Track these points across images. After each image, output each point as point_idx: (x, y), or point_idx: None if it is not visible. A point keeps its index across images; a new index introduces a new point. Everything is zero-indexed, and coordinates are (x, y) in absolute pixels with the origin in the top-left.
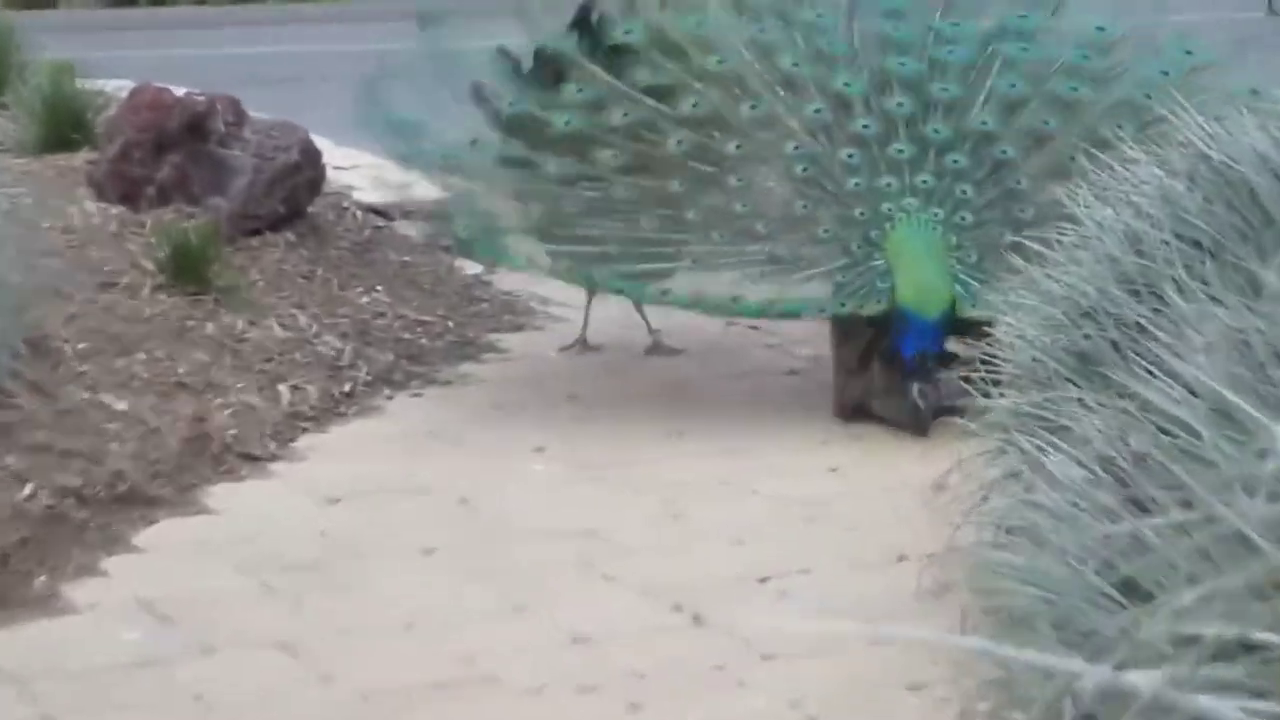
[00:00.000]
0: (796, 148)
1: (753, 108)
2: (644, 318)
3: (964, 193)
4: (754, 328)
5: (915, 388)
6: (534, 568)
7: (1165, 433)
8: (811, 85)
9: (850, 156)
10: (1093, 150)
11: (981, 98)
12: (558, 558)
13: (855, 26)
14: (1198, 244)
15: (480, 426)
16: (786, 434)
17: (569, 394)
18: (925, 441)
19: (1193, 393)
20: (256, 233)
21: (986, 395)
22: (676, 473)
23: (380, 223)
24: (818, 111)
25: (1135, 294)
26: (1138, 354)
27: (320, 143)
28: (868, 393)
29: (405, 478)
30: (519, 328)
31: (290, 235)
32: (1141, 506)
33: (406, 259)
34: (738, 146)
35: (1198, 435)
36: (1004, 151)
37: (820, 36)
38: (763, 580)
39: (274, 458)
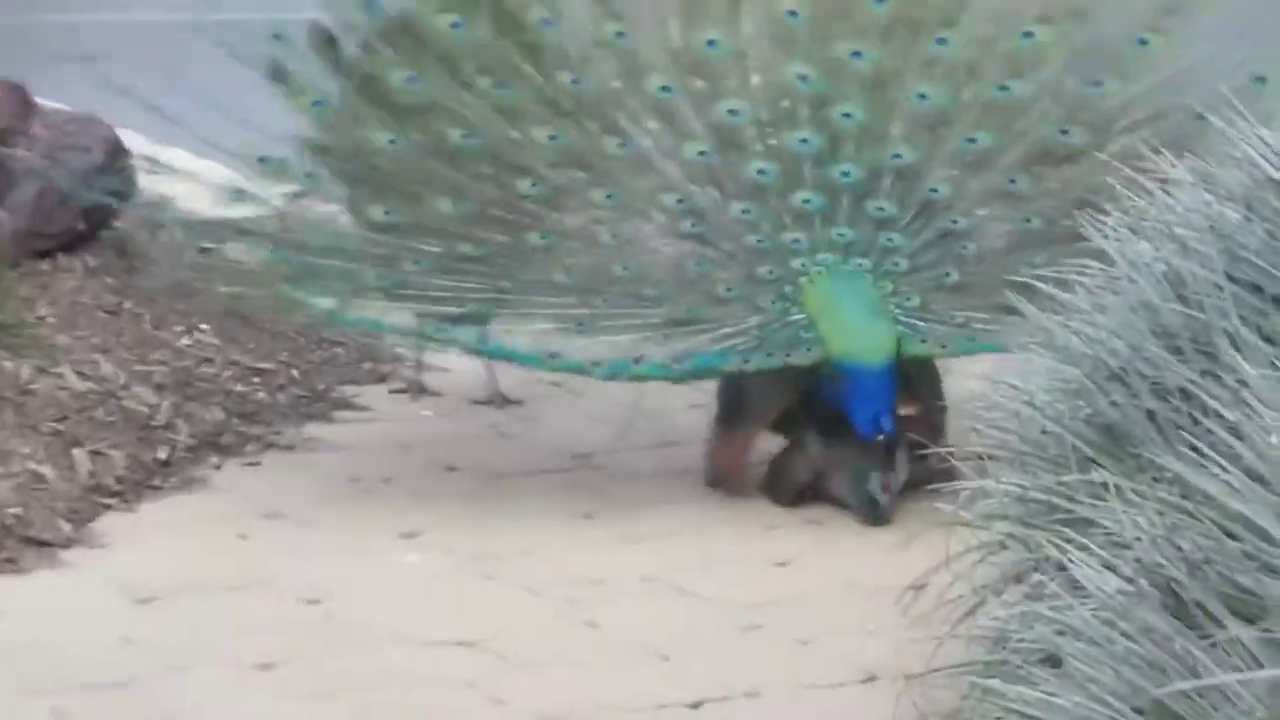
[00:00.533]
0: (680, 201)
1: (620, 145)
2: (490, 371)
3: (890, 241)
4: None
5: (874, 479)
6: (403, 689)
7: (1226, 534)
8: (691, 114)
9: (745, 211)
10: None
11: (893, 121)
12: (434, 676)
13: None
14: (1258, 289)
15: (334, 505)
16: (722, 518)
17: (446, 464)
18: (896, 530)
19: (1260, 480)
20: (47, 255)
21: (982, 475)
22: (584, 567)
23: (208, 243)
24: (702, 154)
25: (1178, 352)
26: (1183, 429)
27: (131, 140)
28: (812, 470)
29: (237, 570)
30: (382, 379)
31: (90, 259)
32: (1198, 628)
33: (240, 290)
34: (608, 196)
35: (1269, 537)
36: (933, 190)
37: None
38: (695, 707)
39: (68, 544)
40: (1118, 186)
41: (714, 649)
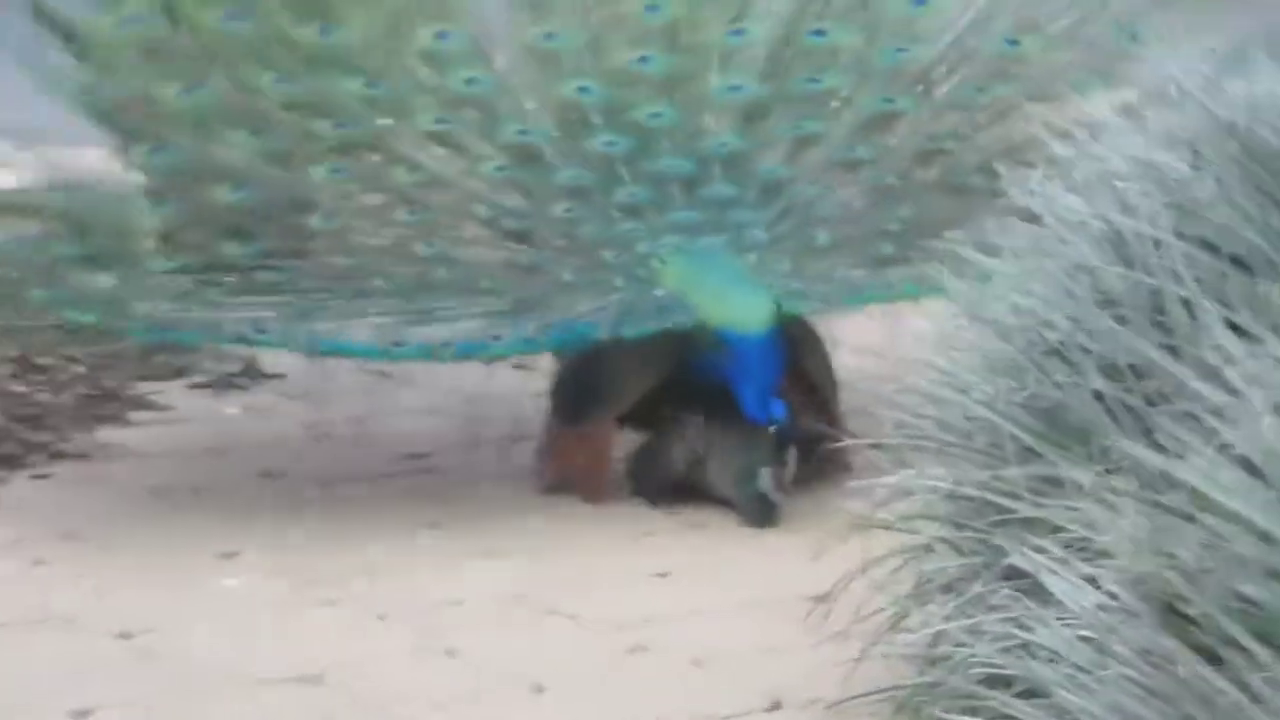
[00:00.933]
0: (490, 210)
1: (410, 171)
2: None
3: (741, 217)
4: (519, 366)
5: (764, 473)
6: None
7: (1217, 535)
8: (476, 140)
9: (569, 210)
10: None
11: (705, 115)
12: (276, 718)
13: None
14: (1212, 247)
15: (139, 522)
16: (587, 524)
17: (264, 470)
18: (792, 533)
19: (1255, 473)
20: None
21: (895, 467)
22: (437, 586)
23: None
24: (500, 169)
25: (1123, 322)
26: (1137, 412)
27: None
28: (689, 460)
29: (37, 604)
30: (181, 372)
31: None
32: (1202, 648)
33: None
34: (411, 214)
35: (1271, 538)
36: (769, 170)
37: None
38: None
39: None
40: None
41: (596, 677)
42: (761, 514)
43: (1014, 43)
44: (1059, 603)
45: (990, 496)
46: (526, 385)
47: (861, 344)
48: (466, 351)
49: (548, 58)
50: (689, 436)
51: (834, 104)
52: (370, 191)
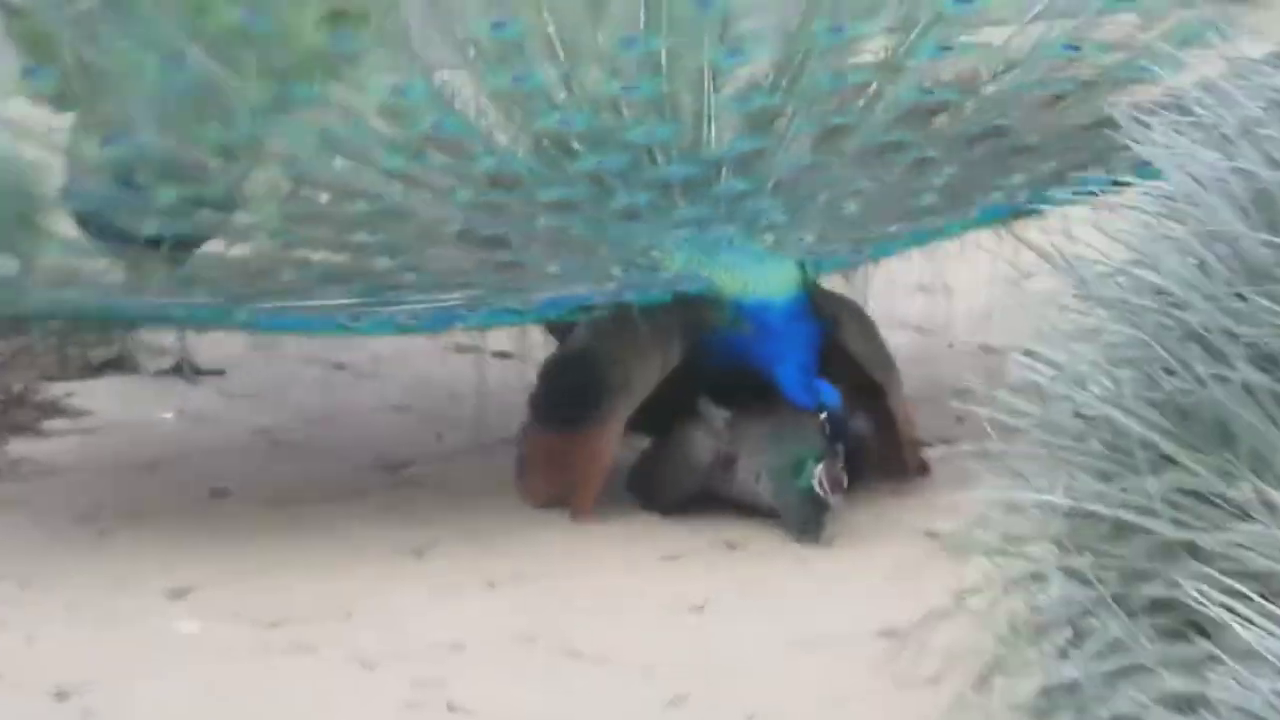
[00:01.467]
0: (463, 230)
1: (369, 203)
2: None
3: (757, 205)
4: (501, 354)
5: (812, 468)
6: None
7: None
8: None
9: (555, 221)
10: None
11: (710, 125)
12: None
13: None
14: None
15: (67, 554)
16: (600, 544)
17: (210, 487)
18: (858, 553)
19: None
20: None
21: (998, 476)
22: (432, 625)
23: None
24: (474, 197)
25: (1273, 298)
26: None
27: None
28: (715, 456)
29: None
30: (101, 370)
31: None
32: None
33: None
34: (371, 234)
35: None
36: (793, 163)
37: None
38: None
39: None
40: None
41: None
42: (812, 519)
43: (1074, 48)
44: (1247, 649)
45: (1123, 514)
46: (509, 376)
47: (904, 319)
48: (442, 323)
49: (520, 99)
50: (715, 430)
51: (862, 100)
52: (318, 223)
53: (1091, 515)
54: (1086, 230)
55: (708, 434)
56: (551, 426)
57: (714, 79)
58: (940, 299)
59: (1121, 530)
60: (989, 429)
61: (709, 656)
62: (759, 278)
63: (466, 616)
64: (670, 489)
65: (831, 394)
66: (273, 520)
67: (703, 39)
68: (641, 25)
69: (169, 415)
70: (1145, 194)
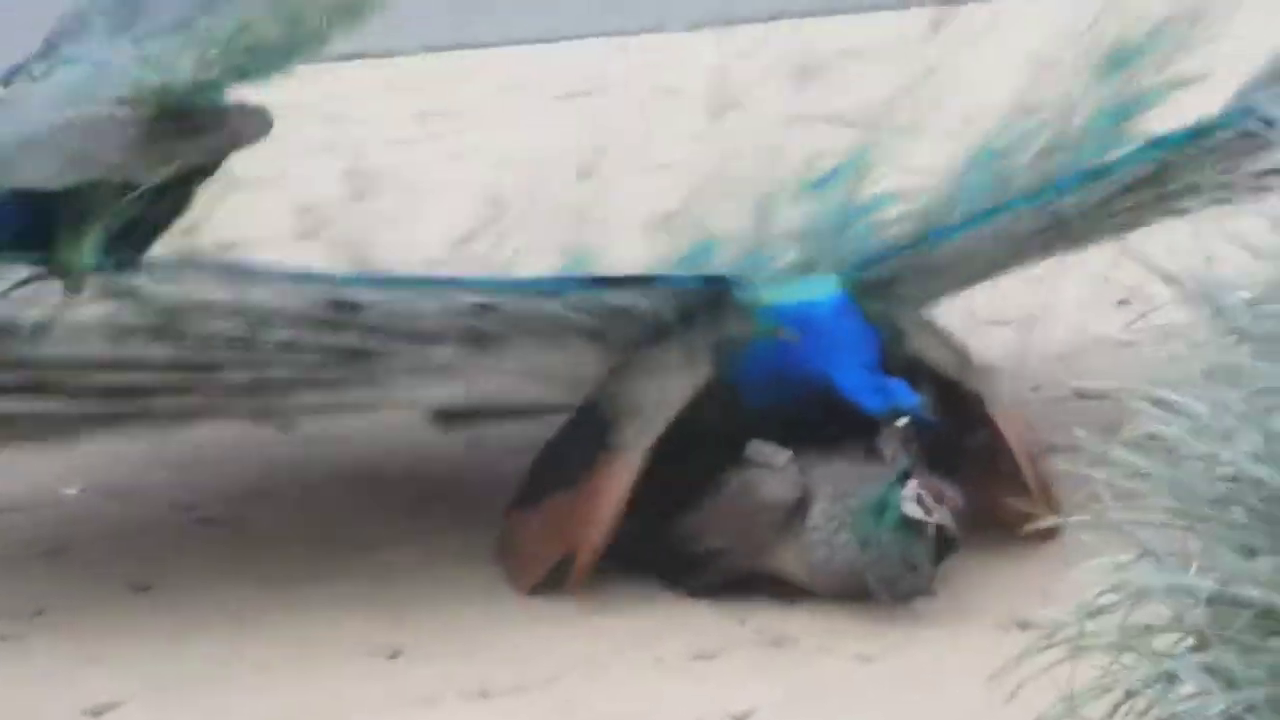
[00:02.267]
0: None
1: None
2: None
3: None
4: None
5: (906, 490)
6: None
7: None
8: None
9: None
10: None
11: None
12: None
13: None
14: None
15: None
16: (626, 640)
17: (132, 582)
18: (944, 646)
19: None
20: None
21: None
22: None
23: None
24: None
25: None
26: None
27: None
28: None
29: None
30: None
31: None
32: None
33: None
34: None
35: None
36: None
37: None
38: None
39: None
40: None
41: None
42: (909, 563)
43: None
44: None
45: (1278, 599)
46: (474, 435)
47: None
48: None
49: None
50: (779, 473)
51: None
52: None
53: (1237, 600)
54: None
55: (772, 477)
56: (547, 491)
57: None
58: (1022, 332)
59: (1275, 619)
60: (1102, 494)
61: None
62: (793, 283)
63: None
64: (711, 560)
65: (907, 393)
66: (207, 619)
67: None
68: None
69: (73, 491)
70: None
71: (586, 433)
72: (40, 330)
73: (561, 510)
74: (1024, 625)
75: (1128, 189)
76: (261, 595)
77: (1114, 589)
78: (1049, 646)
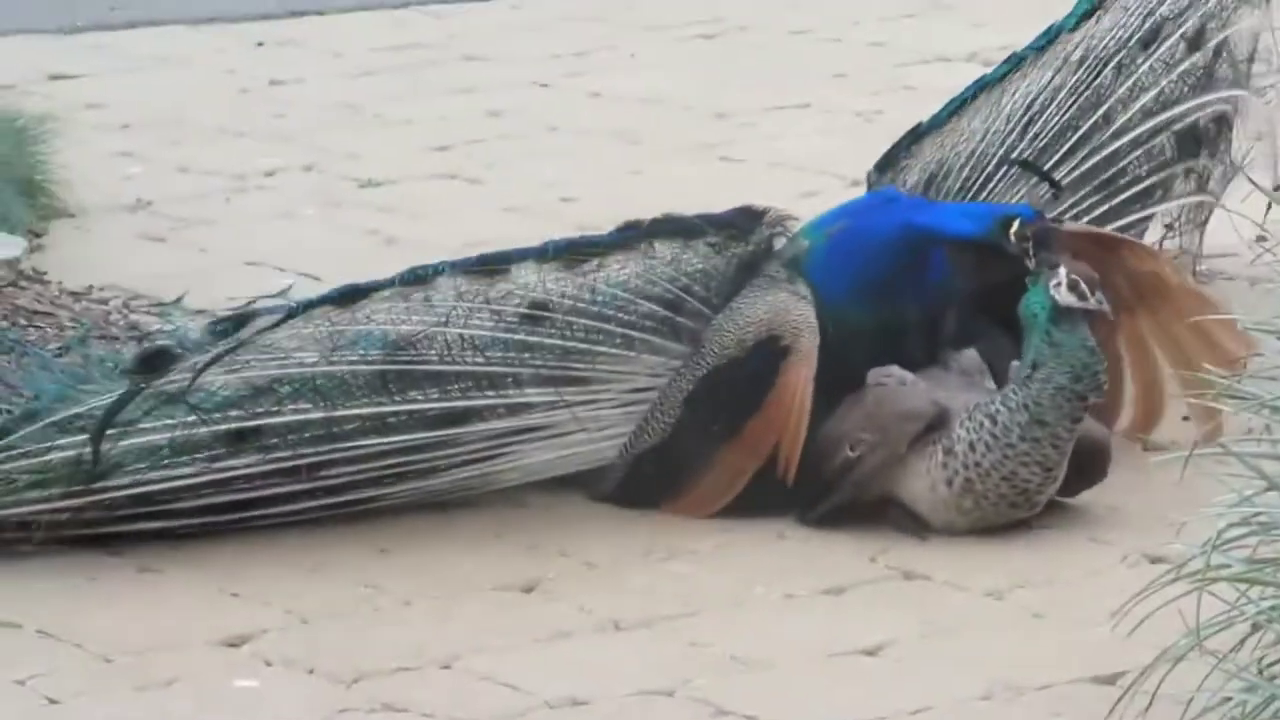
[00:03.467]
0: None
1: None
2: None
3: None
4: None
5: (1057, 278)
6: None
7: None
8: None
9: None
10: None
11: None
12: None
13: None
14: None
15: None
16: (753, 575)
17: None
18: (1057, 580)
19: None
20: None
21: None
22: (546, 677)
23: None
24: None
25: None
26: None
27: None
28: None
29: None
30: None
31: None
32: None
33: None
34: None
35: None
36: None
37: None
38: None
39: None
40: None
41: None
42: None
43: None
44: None
45: None
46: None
47: None
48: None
49: None
50: (915, 387)
51: None
52: None
53: None
54: None
55: (908, 391)
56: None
57: None
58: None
59: None
60: (1227, 425)
61: (887, 716)
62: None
63: (586, 667)
64: (846, 473)
65: (997, 207)
66: (347, 555)
67: None
68: None
69: None
70: None
71: (751, 366)
72: None
73: (755, 429)
74: (1154, 559)
75: None
76: (400, 531)
77: (1241, 522)
78: (1176, 580)
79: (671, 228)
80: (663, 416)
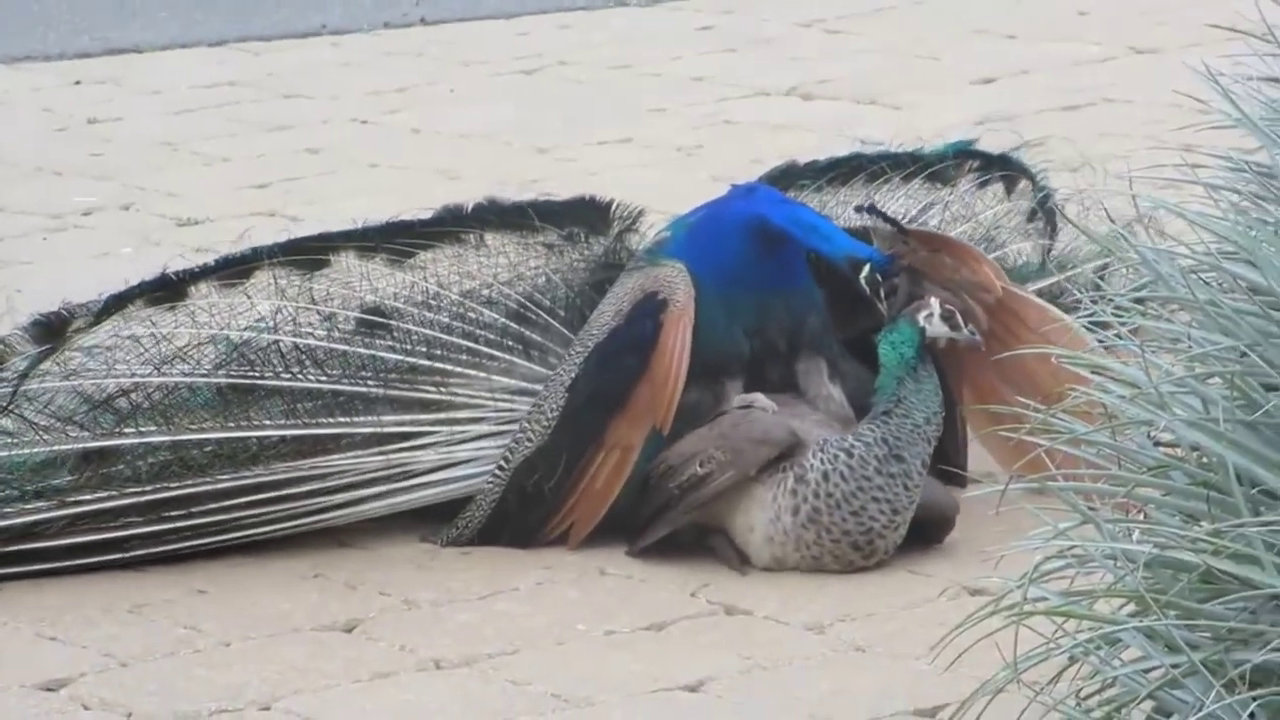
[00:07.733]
0: None
1: None
2: None
3: None
4: None
5: (933, 304)
6: None
7: None
8: None
9: None
10: None
11: None
12: None
13: None
14: None
15: None
16: (574, 610)
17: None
18: (892, 613)
19: None
20: None
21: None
22: (361, 716)
23: None
24: None
25: None
26: None
27: None
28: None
29: None
30: None
31: None
32: None
33: None
34: None
35: None
36: None
37: None
38: None
39: None
40: None
41: None
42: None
43: None
44: None
45: (1217, 563)
46: None
47: None
48: None
49: None
50: (777, 417)
51: None
52: None
53: (1177, 565)
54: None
55: (768, 418)
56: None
57: None
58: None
59: (1214, 583)
60: (1045, 461)
61: None
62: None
63: (408, 707)
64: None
65: (861, 249)
66: (166, 596)
67: None
68: None
69: None
70: (1237, 169)
71: (632, 330)
72: None
73: (642, 392)
74: (974, 592)
75: None
76: (217, 571)
77: (1057, 555)
78: (995, 613)
79: (502, 218)
80: (544, 416)
